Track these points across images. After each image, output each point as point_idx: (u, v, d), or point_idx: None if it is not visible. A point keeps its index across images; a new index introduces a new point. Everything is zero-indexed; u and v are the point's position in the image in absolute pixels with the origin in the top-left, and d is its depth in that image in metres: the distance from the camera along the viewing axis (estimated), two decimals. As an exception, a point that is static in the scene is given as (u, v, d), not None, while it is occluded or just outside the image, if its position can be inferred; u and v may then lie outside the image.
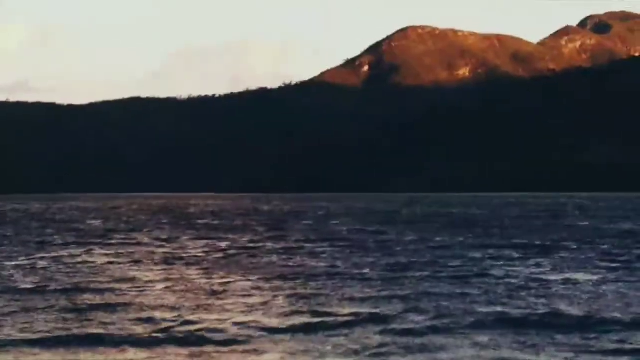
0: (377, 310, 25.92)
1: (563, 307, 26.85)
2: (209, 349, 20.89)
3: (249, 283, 33.60)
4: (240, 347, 21.00)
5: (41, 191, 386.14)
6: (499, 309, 26.54)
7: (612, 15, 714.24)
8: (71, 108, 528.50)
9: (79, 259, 44.97)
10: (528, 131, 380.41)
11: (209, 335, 22.32)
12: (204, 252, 50.01)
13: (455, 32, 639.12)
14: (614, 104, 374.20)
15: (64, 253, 48.97)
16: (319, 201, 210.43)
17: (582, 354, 20.20)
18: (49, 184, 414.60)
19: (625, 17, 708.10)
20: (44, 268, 40.07)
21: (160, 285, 33.03)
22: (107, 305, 27.45)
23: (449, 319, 24.47)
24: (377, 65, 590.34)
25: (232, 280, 34.60)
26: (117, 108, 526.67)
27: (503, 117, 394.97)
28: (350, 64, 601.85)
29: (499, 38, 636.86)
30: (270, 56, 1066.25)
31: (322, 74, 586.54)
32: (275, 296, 29.46)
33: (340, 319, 24.52)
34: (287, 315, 25.33)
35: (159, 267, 40.51)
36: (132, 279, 35.30)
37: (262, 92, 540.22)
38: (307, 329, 23.10)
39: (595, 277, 35.31)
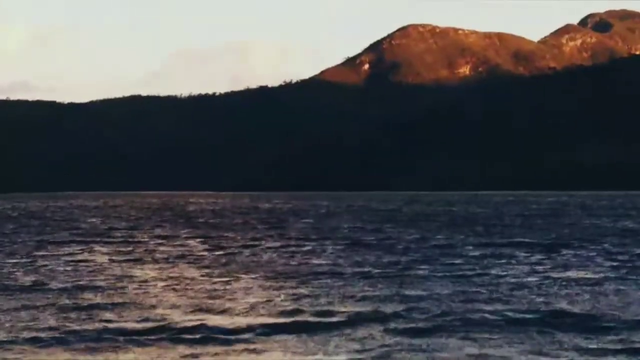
0: (379, 309, 25.83)
1: (564, 305, 26.77)
2: (209, 347, 20.79)
3: (250, 281, 33.50)
4: (242, 346, 20.90)
5: (41, 190, 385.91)
6: (500, 307, 26.46)
7: (612, 13, 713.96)
8: (71, 106, 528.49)
9: (79, 257, 44.90)
10: (528, 129, 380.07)
11: (209, 334, 22.22)
12: (204, 250, 49.93)
13: (456, 30, 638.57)
14: (614, 103, 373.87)
15: (64, 251, 48.89)
16: (319, 200, 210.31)
17: (584, 353, 20.10)
18: (48, 183, 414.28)
19: (625, 15, 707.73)
20: (43, 266, 39.98)
21: (161, 284, 32.94)
22: (107, 304, 27.36)
23: (450, 317, 24.38)
24: (378, 63, 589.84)
25: (232, 278, 34.50)
26: (117, 106, 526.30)
27: (504, 115, 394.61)
28: (351, 63, 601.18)
29: (500, 36, 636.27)
30: (271, 55, 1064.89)
31: (323, 72, 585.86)
32: (276, 295, 29.37)
33: (341, 317, 24.43)
34: (288, 314, 25.23)
35: (158, 266, 40.42)
36: (132, 277, 35.21)
37: (263, 91, 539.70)
38: (308, 327, 23.00)
39: (596, 276, 35.21)
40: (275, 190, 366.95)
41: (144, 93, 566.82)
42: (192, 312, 25.75)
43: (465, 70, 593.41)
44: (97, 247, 52.11)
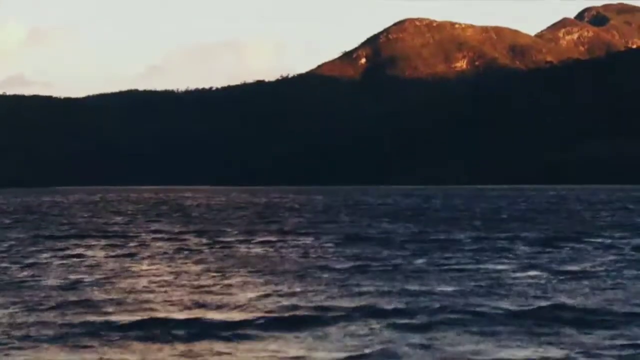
0: (377, 304, 25.65)
1: (563, 299, 26.62)
2: (206, 343, 20.59)
3: (247, 276, 33.31)
4: (239, 342, 20.70)
5: (37, 184, 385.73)
6: (499, 301, 26.31)
7: (609, 7, 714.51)
8: (68, 101, 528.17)
9: (75, 252, 44.67)
10: (526, 123, 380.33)
11: (207, 330, 22.02)
12: (200, 245, 49.72)
13: (452, 24, 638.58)
14: (611, 96, 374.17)
15: (60, 246, 48.65)
16: (316, 194, 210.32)
17: (583, 347, 19.94)
18: (45, 177, 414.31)
19: (622, 9, 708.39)
20: (39, 261, 39.75)
21: (157, 279, 32.74)
22: (103, 299, 27.15)
23: (449, 313, 24.19)
24: (375, 57, 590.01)
25: (229, 274, 34.30)
26: (114, 101, 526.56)
27: (501, 108, 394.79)
28: (348, 57, 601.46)
29: (497, 30, 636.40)
30: (268, 49, 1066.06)
31: (320, 66, 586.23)
32: (273, 290, 29.18)
33: (339, 312, 24.23)
34: (285, 308, 25.04)
35: (155, 260, 40.20)
36: (128, 272, 35.00)
37: (259, 85, 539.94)
38: (306, 322, 22.82)
39: (595, 270, 35.09)
40: (272, 184, 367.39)
41: (140, 88, 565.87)
42: (188, 307, 25.55)
43: (462, 64, 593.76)
44: (93, 242, 51.90)
